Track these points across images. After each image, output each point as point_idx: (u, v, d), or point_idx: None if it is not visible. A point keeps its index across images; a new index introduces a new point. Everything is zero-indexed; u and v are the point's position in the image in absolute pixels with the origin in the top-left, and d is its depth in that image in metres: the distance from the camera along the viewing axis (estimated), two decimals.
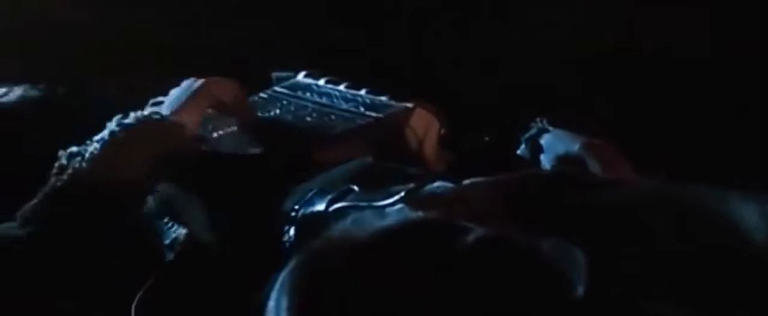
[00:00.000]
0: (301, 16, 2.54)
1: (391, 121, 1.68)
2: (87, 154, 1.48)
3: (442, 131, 1.70)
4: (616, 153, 1.60)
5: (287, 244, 1.44)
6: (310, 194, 1.48)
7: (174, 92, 1.63)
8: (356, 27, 2.54)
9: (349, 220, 1.22)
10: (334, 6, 2.56)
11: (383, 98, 1.75)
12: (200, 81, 1.64)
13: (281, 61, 2.14)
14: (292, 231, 1.45)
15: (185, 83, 1.64)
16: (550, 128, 1.69)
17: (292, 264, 1.16)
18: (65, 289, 1.42)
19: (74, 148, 1.50)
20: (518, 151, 1.70)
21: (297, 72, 1.99)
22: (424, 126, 1.68)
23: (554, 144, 1.65)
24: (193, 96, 1.61)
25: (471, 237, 1.08)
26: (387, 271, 1.07)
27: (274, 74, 2.27)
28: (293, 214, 1.46)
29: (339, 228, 1.19)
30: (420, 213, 1.19)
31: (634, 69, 2.52)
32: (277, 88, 1.87)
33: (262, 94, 1.86)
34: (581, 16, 2.54)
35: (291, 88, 1.87)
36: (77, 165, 1.47)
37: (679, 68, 2.47)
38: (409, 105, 1.71)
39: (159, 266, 1.49)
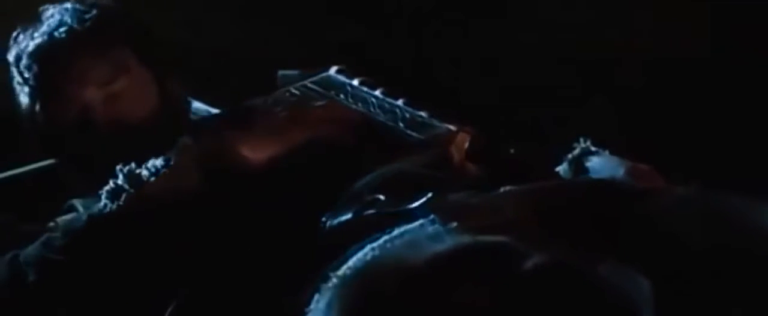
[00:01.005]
0: (302, 15, 2.50)
1: (434, 145, 1.61)
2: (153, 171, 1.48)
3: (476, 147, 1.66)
4: (661, 179, 1.58)
5: (317, 254, 1.41)
6: (338, 204, 1.44)
7: None
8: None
9: (402, 243, 1.19)
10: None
11: (423, 114, 1.67)
12: None
13: (282, 60, 2.11)
14: (320, 241, 1.42)
15: None
16: (593, 149, 1.67)
17: (340, 284, 1.14)
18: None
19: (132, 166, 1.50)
20: (559, 170, 1.68)
21: (302, 71, 1.95)
22: (464, 148, 1.64)
23: (599, 168, 1.62)
24: None
25: (530, 263, 1.07)
26: (443, 298, 1.05)
27: (281, 73, 2.22)
28: (321, 224, 1.43)
29: (393, 251, 1.17)
30: (474, 236, 1.16)
31: (634, 70, 2.52)
32: (308, 85, 1.78)
33: (293, 90, 1.78)
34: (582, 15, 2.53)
35: (323, 85, 1.77)
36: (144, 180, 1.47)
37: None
38: (452, 127, 1.64)
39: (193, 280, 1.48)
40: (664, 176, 1.57)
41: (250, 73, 2.32)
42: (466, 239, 1.13)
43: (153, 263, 1.47)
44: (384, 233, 1.30)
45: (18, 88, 1.73)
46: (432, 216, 1.27)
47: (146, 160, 1.61)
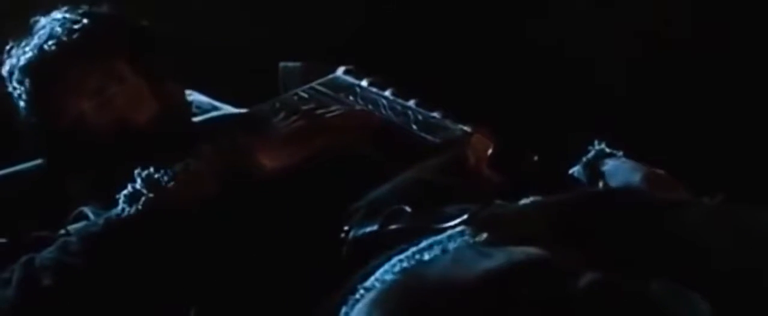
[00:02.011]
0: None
1: (450, 148, 1.59)
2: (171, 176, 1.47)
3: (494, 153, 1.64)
4: (677, 185, 1.56)
5: (341, 265, 1.39)
6: (360, 213, 1.42)
7: None
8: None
9: (448, 258, 1.18)
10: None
11: (436, 115, 1.64)
12: None
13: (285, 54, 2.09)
14: (344, 251, 1.40)
15: None
16: (607, 150, 1.65)
17: (378, 298, 1.12)
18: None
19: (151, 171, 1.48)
20: (573, 173, 1.66)
21: (303, 62, 1.93)
22: (480, 151, 1.63)
23: (615, 172, 1.60)
24: None
25: (582, 282, 1.06)
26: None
27: (281, 64, 2.20)
28: (344, 234, 1.41)
29: (439, 267, 1.15)
30: (524, 253, 1.14)
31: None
32: (316, 86, 1.76)
33: (300, 93, 1.76)
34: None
35: (332, 87, 1.75)
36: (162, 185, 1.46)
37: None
38: (467, 129, 1.62)
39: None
40: (681, 180, 1.56)
41: (251, 66, 2.32)
42: (516, 255, 1.11)
43: (171, 269, 1.45)
44: (410, 243, 1.29)
45: (15, 100, 1.73)
46: (461, 227, 1.26)
47: (148, 166, 1.61)
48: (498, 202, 1.39)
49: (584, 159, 1.66)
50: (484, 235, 1.22)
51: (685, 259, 1.16)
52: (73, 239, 1.47)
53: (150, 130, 1.69)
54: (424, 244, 1.26)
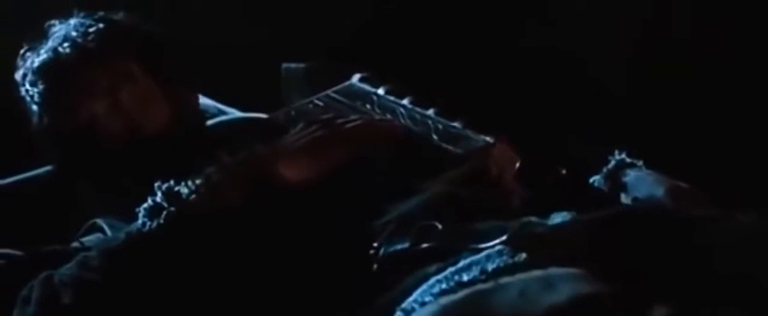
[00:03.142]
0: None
1: (473, 159, 1.56)
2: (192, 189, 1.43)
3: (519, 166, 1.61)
4: (701, 198, 1.55)
5: (371, 281, 1.37)
6: (390, 229, 1.40)
7: None
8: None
9: (514, 291, 1.15)
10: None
11: (457, 125, 1.61)
12: None
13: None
14: (376, 267, 1.37)
15: None
16: (628, 160, 1.64)
17: None
18: None
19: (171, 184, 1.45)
20: (594, 182, 1.65)
21: (305, 63, 1.90)
22: (504, 162, 1.61)
23: (637, 184, 1.59)
24: None
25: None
26: None
27: (284, 66, 2.17)
28: (373, 250, 1.38)
29: (504, 300, 1.14)
30: (588, 285, 1.13)
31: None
32: (331, 94, 1.72)
33: (316, 101, 1.71)
34: None
35: (348, 95, 1.71)
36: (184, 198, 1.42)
37: None
38: (490, 140, 1.59)
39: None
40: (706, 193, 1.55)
41: (255, 68, 2.30)
42: (579, 287, 1.09)
43: (195, 285, 1.42)
44: (446, 263, 1.27)
45: (28, 105, 1.72)
46: (499, 247, 1.24)
47: (161, 172, 1.58)
48: (529, 218, 1.38)
49: (605, 170, 1.64)
50: (523, 255, 1.21)
51: (721, 280, 1.15)
52: (92, 254, 1.43)
53: (162, 135, 1.67)
54: (462, 264, 1.24)
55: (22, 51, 1.72)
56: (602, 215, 1.27)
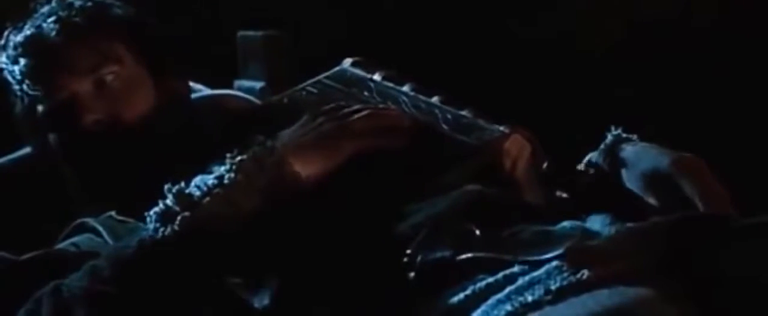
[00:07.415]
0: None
1: (489, 150, 1.51)
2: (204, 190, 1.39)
3: (539, 159, 1.57)
4: (706, 169, 1.50)
5: (407, 290, 1.36)
6: (423, 234, 1.37)
7: None
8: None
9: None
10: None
11: (465, 114, 1.54)
12: None
13: None
14: (414, 276, 1.34)
15: None
16: (625, 135, 1.64)
17: None
18: None
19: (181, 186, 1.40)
20: (590, 159, 1.64)
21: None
22: (518, 153, 1.56)
23: (639, 159, 1.56)
24: None
25: None
26: None
27: (240, 33, 2.16)
28: (407, 257, 1.36)
29: None
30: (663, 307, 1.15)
31: None
32: (324, 81, 1.64)
33: (309, 88, 1.65)
34: None
35: (342, 81, 1.63)
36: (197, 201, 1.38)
37: None
38: (505, 129, 1.53)
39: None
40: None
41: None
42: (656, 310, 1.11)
43: (214, 295, 1.40)
44: (496, 277, 1.27)
45: (10, 86, 1.68)
46: (556, 262, 1.25)
47: (145, 163, 1.55)
48: (568, 223, 1.38)
49: (603, 145, 1.62)
50: (586, 273, 1.22)
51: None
52: (101, 263, 1.39)
53: (148, 124, 1.63)
54: (520, 282, 1.24)
55: (6, 31, 1.69)
56: (663, 225, 1.26)
